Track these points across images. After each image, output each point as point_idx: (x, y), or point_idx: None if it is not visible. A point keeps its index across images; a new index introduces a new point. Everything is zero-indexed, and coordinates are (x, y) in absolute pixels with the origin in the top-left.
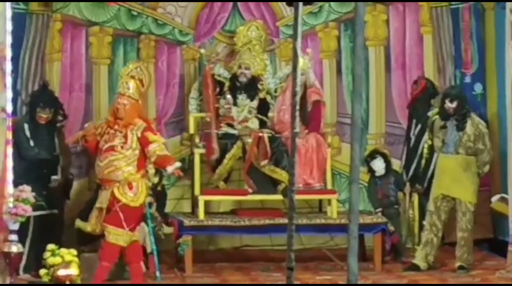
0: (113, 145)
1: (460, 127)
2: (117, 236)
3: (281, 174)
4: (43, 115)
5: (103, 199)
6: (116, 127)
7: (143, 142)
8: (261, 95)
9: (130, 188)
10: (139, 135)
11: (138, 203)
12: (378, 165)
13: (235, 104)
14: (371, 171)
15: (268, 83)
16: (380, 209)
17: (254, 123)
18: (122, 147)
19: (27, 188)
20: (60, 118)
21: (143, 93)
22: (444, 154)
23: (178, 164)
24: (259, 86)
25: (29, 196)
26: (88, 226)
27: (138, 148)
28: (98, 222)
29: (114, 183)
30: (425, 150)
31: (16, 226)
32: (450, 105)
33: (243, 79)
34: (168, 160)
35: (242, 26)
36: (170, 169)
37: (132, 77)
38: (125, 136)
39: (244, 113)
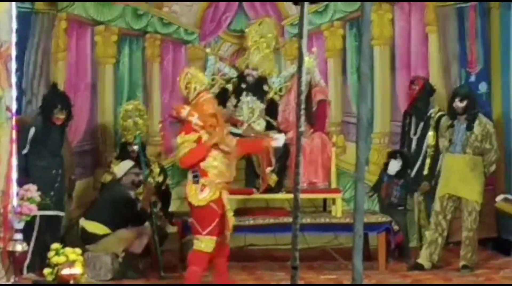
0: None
1: (470, 127)
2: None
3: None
4: (60, 117)
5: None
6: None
7: None
8: (269, 95)
9: None
10: None
11: None
12: (393, 165)
13: (236, 106)
14: (385, 166)
15: (273, 82)
16: (372, 193)
17: (260, 125)
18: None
19: (32, 187)
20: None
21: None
22: (451, 153)
23: None
24: (265, 88)
25: (34, 195)
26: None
27: None
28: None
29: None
30: (430, 149)
31: (20, 225)
32: (460, 105)
33: (250, 79)
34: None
35: (254, 22)
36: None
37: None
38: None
39: (254, 116)
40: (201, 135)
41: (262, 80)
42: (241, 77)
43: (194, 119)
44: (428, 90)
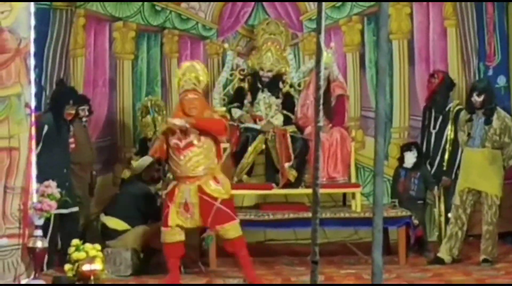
0: (190, 141)
1: (488, 121)
2: (236, 228)
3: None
4: (72, 112)
5: (185, 194)
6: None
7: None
8: (285, 89)
9: (217, 181)
10: None
11: (230, 194)
12: (409, 157)
13: (252, 102)
14: (401, 160)
15: (291, 77)
16: (395, 200)
17: (278, 119)
18: (199, 140)
19: (52, 183)
20: (86, 113)
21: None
22: (470, 147)
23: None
24: (280, 85)
25: (55, 191)
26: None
27: (212, 139)
28: (183, 217)
29: (197, 179)
30: (449, 143)
31: (41, 222)
32: (478, 99)
33: (265, 80)
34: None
35: (261, 22)
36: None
37: (189, 74)
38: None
39: (272, 111)
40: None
41: (277, 78)
42: (256, 76)
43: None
44: (447, 84)
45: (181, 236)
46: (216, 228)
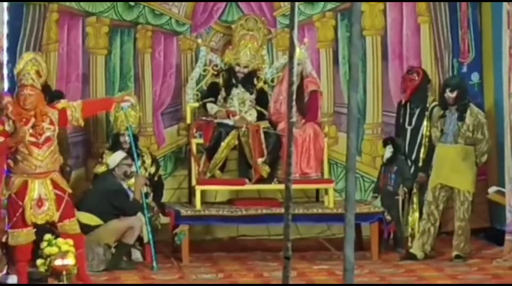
0: (48, 136)
1: (461, 117)
2: (77, 224)
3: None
4: None
5: (39, 190)
6: (34, 119)
7: (63, 119)
8: (259, 85)
9: (62, 175)
10: (58, 117)
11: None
12: (385, 152)
13: (226, 98)
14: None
15: (265, 73)
16: (374, 195)
17: (251, 115)
18: (53, 136)
19: None
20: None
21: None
22: (443, 143)
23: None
24: (255, 81)
25: None
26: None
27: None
28: (36, 213)
29: (49, 174)
30: (425, 139)
31: None
32: (451, 95)
33: (240, 75)
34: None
35: (239, 18)
36: (125, 104)
37: (30, 68)
38: (52, 124)
39: (246, 107)
40: (4, 128)
41: (251, 74)
42: (231, 72)
43: (9, 111)
44: (426, 80)
45: (33, 236)
46: (64, 222)
